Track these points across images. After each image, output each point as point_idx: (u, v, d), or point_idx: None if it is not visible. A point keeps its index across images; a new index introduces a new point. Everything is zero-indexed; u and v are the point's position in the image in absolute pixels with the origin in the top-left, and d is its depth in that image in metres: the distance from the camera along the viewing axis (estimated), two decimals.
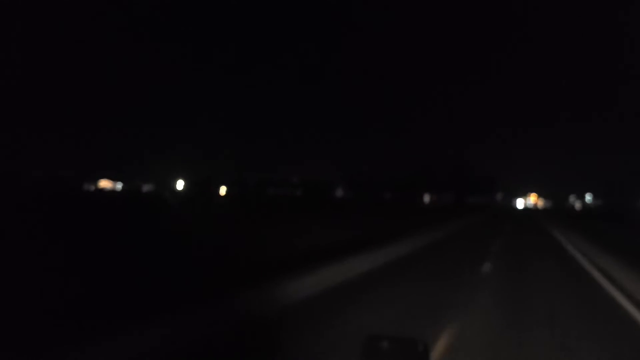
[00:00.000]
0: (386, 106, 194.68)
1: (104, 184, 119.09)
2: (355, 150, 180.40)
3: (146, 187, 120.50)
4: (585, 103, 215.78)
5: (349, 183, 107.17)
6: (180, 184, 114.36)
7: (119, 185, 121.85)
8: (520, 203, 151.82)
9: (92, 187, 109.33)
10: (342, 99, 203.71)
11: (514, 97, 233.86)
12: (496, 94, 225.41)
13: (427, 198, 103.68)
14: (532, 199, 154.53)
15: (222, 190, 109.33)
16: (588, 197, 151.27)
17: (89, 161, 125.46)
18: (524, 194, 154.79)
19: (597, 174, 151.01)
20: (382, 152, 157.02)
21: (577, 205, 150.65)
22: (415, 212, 47.75)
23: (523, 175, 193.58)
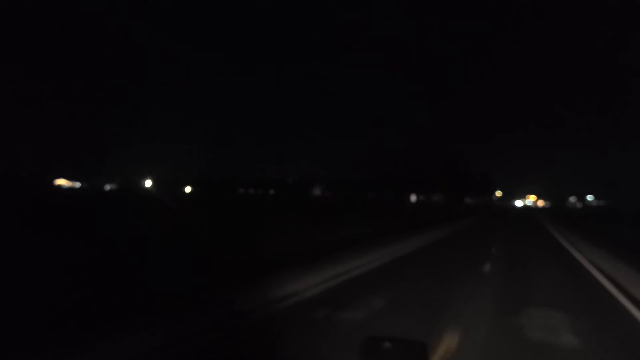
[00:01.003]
0: (383, 107, 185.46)
1: (61, 182, 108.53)
2: (347, 153, 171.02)
3: (109, 186, 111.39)
4: (587, 102, 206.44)
5: (328, 182, 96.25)
6: (147, 183, 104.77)
7: (77, 184, 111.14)
8: (518, 203, 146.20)
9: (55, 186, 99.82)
10: (338, 102, 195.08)
11: (514, 97, 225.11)
12: (497, 94, 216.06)
13: (413, 198, 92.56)
14: (532, 199, 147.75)
15: (187, 189, 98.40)
16: (589, 197, 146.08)
17: (41, 159, 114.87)
18: (523, 194, 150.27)
19: (598, 174, 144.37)
20: (374, 154, 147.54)
21: (578, 205, 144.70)
22: (383, 216, 36.58)
23: (523, 176, 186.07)
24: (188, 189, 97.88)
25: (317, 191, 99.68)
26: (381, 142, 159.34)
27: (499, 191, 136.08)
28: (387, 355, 2.06)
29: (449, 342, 5.73)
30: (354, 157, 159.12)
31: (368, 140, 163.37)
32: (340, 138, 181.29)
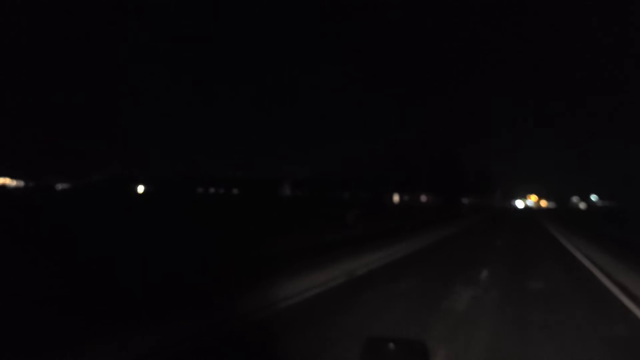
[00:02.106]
0: (382, 103, 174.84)
1: (3, 181, 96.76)
2: (330, 152, 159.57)
3: (61, 186, 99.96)
4: (589, 100, 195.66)
5: (300, 181, 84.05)
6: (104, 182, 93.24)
7: (20, 183, 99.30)
8: (519, 203, 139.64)
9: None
10: (333, 99, 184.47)
11: (514, 94, 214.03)
12: (495, 92, 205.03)
13: (396, 198, 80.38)
14: (533, 199, 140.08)
15: (140, 189, 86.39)
16: (594, 197, 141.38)
17: None
18: (524, 194, 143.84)
19: (603, 173, 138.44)
20: (359, 152, 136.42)
21: (582, 205, 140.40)
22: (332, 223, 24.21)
23: (524, 176, 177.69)
24: (141, 189, 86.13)
25: (286, 190, 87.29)
26: (370, 140, 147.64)
27: (499, 191, 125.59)
28: (388, 355, 2.03)
29: None
30: (335, 156, 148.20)
31: (356, 139, 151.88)
32: (325, 136, 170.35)
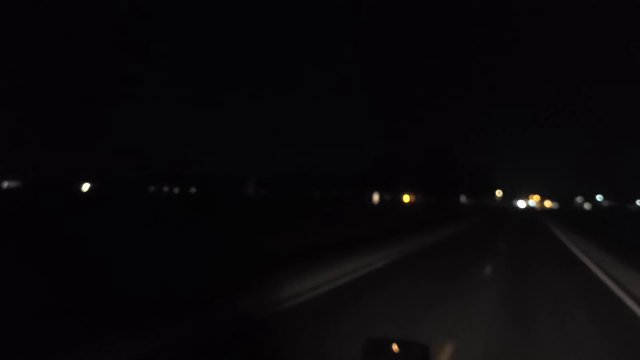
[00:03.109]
0: (381, 103, 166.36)
1: None
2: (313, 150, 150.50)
3: (7, 183, 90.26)
4: (591, 101, 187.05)
5: (267, 179, 74.01)
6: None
7: None
8: (521, 204, 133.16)
9: None
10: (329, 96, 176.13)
11: (519, 96, 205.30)
12: (495, 90, 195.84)
13: (376, 197, 70.02)
14: (535, 199, 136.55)
15: (85, 187, 76.20)
16: (599, 197, 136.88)
17: None
18: (526, 194, 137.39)
19: (607, 174, 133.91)
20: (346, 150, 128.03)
21: (587, 206, 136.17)
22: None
23: (525, 175, 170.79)
24: (86, 187, 76.04)
25: (250, 189, 76.91)
26: (370, 141, 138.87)
27: (500, 190, 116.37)
28: (388, 357, 2.03)
29: None
30: (328, 156, 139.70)
31: (352, 139, 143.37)
32: (315, 136, 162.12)
